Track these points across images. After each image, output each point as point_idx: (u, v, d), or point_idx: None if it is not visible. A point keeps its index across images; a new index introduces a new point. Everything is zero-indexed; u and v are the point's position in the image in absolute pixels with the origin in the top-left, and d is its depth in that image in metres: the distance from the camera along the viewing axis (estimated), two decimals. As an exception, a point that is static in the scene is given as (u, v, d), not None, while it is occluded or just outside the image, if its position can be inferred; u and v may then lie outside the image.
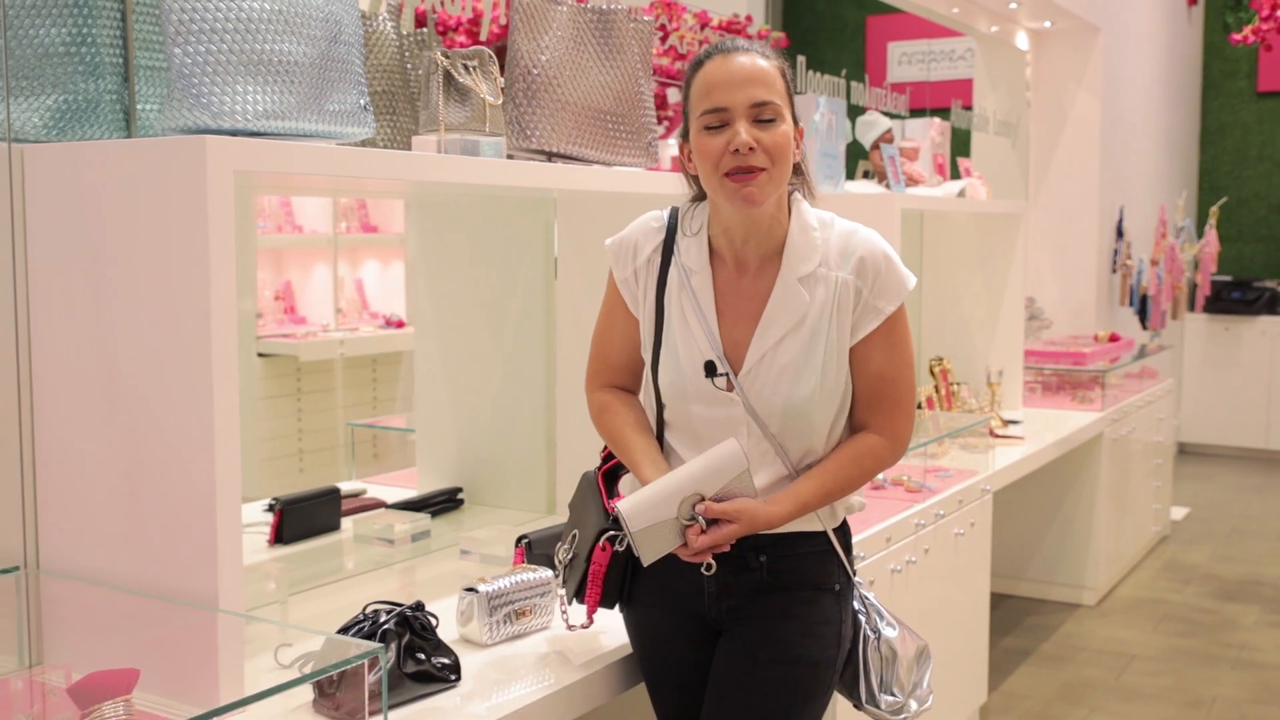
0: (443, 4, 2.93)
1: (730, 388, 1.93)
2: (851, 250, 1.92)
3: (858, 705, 2.09)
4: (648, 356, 2.02)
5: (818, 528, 1.98)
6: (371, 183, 2.43)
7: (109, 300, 1.81)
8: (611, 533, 2.00)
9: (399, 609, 1.91)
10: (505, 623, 2.14)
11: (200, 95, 1.80)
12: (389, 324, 6.52)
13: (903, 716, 2.09)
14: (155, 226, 1.75)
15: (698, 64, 1.92)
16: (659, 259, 2.00)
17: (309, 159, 1.82)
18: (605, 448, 2.15)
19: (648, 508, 1.84)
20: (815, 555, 1.99)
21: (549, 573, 2.23)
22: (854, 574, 2.07)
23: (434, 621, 1.96)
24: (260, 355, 5.83)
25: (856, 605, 2.07)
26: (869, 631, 2.07)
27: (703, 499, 1.84)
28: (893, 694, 2.08)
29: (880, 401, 1.96)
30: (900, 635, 2.10)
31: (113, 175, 1.79)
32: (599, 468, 2.15)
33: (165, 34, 1.80)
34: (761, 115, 1.85)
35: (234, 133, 1.79)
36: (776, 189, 1.88)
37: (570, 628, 2.14)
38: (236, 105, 1.81)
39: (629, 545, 1.90)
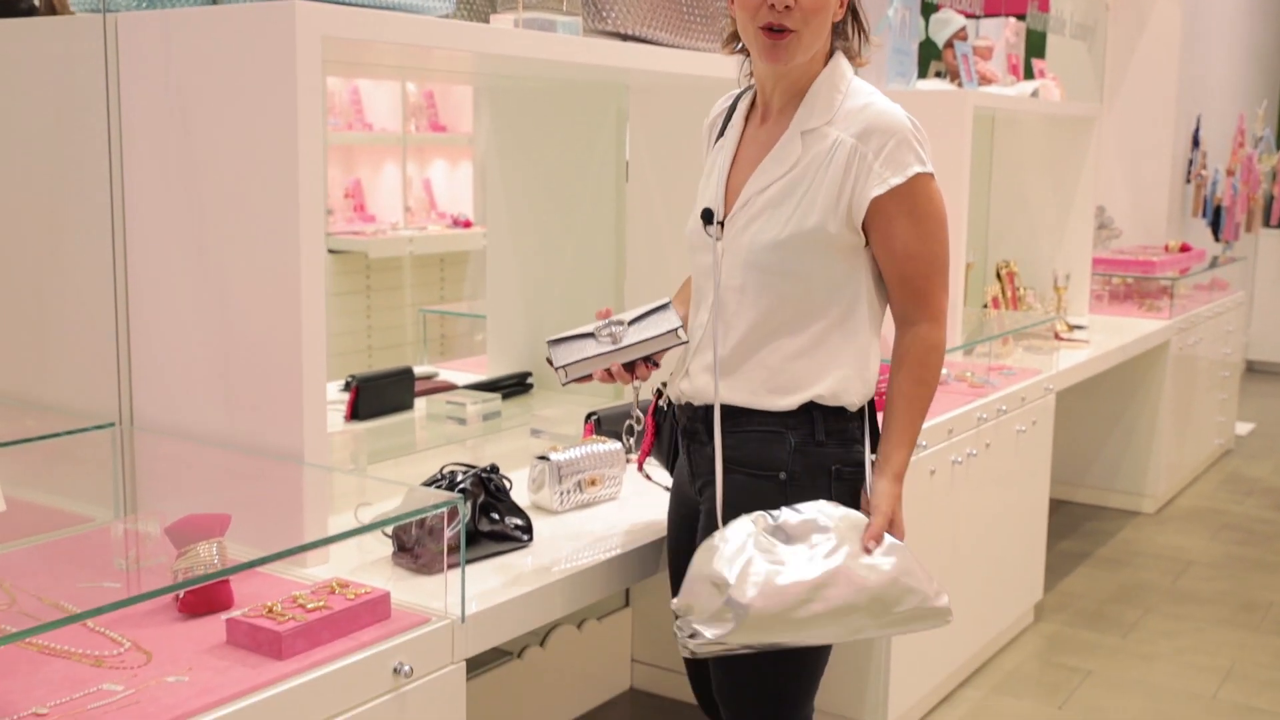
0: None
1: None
2: (863, 117, 1.86)
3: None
4: None
5: (766, 406, 1.87)
6: (448, 60, 2.46)
7: (200, 165, 1.87)
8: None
9: (475, 470, 1.98)
10: (575, 491, 2.21)
11: (287, -37, 1.83)
12: (456, 223, 6.57)
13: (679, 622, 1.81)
14: (245, 92, 1.80)
15: None
16: (721, 120, 2.05)
17: (395, 28, 1.85)
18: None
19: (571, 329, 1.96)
20: (761, 435, 1.88)
21: (618, 445, 2.29)
22: (835, 470, 1.89)
23: (508, 484, 2.03)
24: (331, 251, 5.92)
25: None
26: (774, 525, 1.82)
27: (622, 324, 1.95)
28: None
29: (913, 280, 1.88)
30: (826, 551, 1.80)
31: (203, 42, 1.84)
32: None
33: (253, -99, 1.83)
34: None
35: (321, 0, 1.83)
36: (806, 51, 1.85)
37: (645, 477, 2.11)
38: (322, -27, 1.85)
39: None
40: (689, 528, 1.98)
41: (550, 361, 1.94)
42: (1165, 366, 5.02)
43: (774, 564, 1.75)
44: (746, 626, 1.74)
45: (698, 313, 1.96)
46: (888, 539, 1.82)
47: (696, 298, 1.98)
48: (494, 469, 2.01)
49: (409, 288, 6.41)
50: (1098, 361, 4.25)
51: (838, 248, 1.85)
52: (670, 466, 2.10)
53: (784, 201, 1.86)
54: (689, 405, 1.97)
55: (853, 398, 1.90)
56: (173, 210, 1.91)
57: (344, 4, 1.83)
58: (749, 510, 1.81)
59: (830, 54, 1.92)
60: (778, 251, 1.85)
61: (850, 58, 1.95)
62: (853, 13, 1.93)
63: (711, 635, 1.75)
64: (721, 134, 2.03)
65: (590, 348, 1.93)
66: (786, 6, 1.80)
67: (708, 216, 1.93)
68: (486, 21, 2.38)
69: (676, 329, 1.94)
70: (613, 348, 1.93)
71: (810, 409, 1.87)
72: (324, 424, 1.85)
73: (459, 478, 1.96)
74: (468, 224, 6.56)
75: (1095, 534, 4.91)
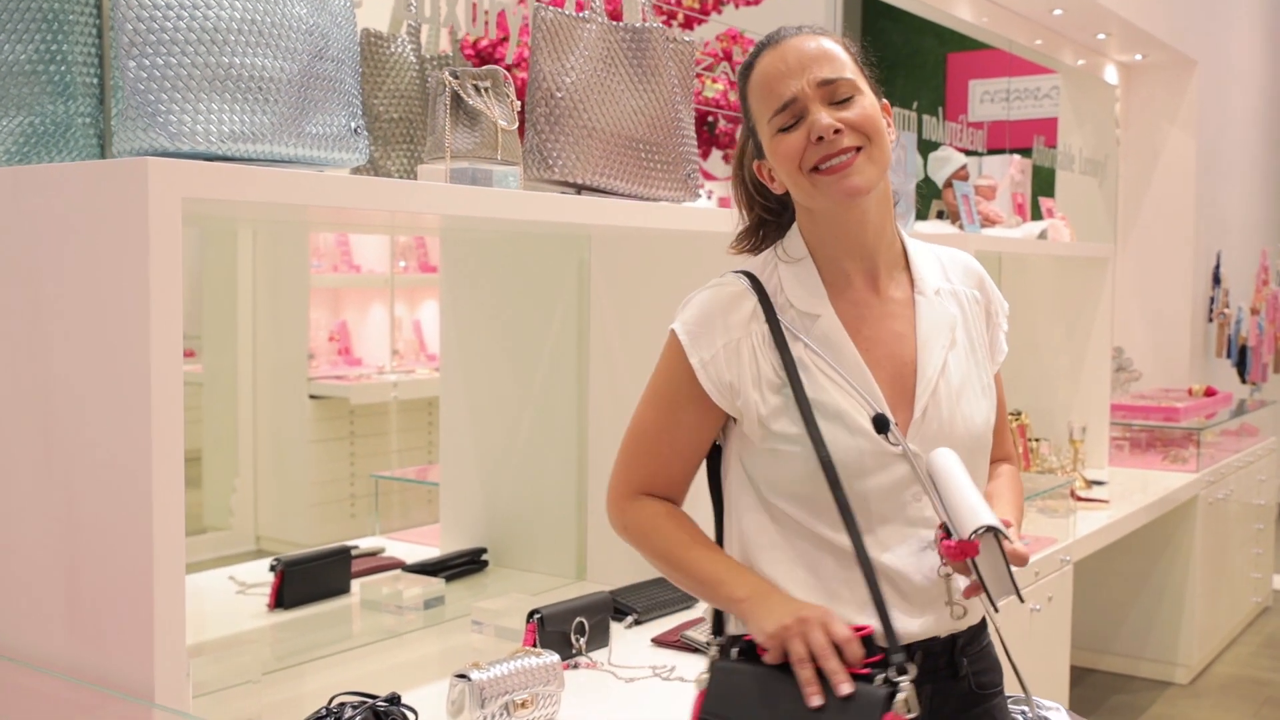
0: (461, 28, 2.72)
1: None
2: (963, 265, 1.71)
3: None
4: (777, 441, 1.56)
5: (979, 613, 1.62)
6: (378, 215, 2.22)
7: (47, 345, 1.60)
8: (897, 697, 1.42)
9: (369, 704, 1.66)
10: (502, 715, 1.88)
11: (157, 114, 1.59)
12: (445, 366, 6.35)
13: None
14: (96, 260, 1.53)
15: (747, 67, 1.62)
16: (763, 325, 1.58)
17: (269, 187, 1.59)
18: (716, 627, 1.63)
19: (990, 512, 1.46)
20: (990, 649, 1.65)
21: (555, 657, 1.97)
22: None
23: (413, 717, 1.71)
24: (312, 397, 5.70)
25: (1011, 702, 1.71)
26: None
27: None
28: None
29: (1002, 429, 1.73)
30: (1067, 715, 1.77)
31: (57, 201, 1.58)
32: (739, 650, 1.54)
33: (117, 45, 1.60)
34: (836, 95, 1.54)
35: (197, 156, 1.58)
36: (880, 171, 1.55)
37: None
38: (198, 126, 1.61)
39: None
40: None
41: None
42: (1194, 522, 4.67)
43: None
44: None
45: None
46: None
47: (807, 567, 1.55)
48: (395, 699, 1.70)
49: (395, 433, 6.16)
50: (1120, 525, 3.91)
51: None
52: None
53: (972, 373, 1.62)
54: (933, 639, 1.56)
55: None
56: (15, 397, 1.64)
57: (222, 159, 1.58)
58: None
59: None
60: (989, 419, 1.63)
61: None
62: None
63: None
64: (775, 326, 1.57)
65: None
66: (836, 130, 1.51)
67: (883, 423, 1.51)
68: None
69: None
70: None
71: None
72: (181, 657, 1.53)
73: (348, 714, 1.64)
74: (456, 366, 6.34)
75: (1124, 709, 4.50)
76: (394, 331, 6.35)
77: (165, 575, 1.50)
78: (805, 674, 1.42)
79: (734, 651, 1.52)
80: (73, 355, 1.57)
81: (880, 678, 1.42)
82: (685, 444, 1.63)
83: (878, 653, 1.45)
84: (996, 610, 1.48)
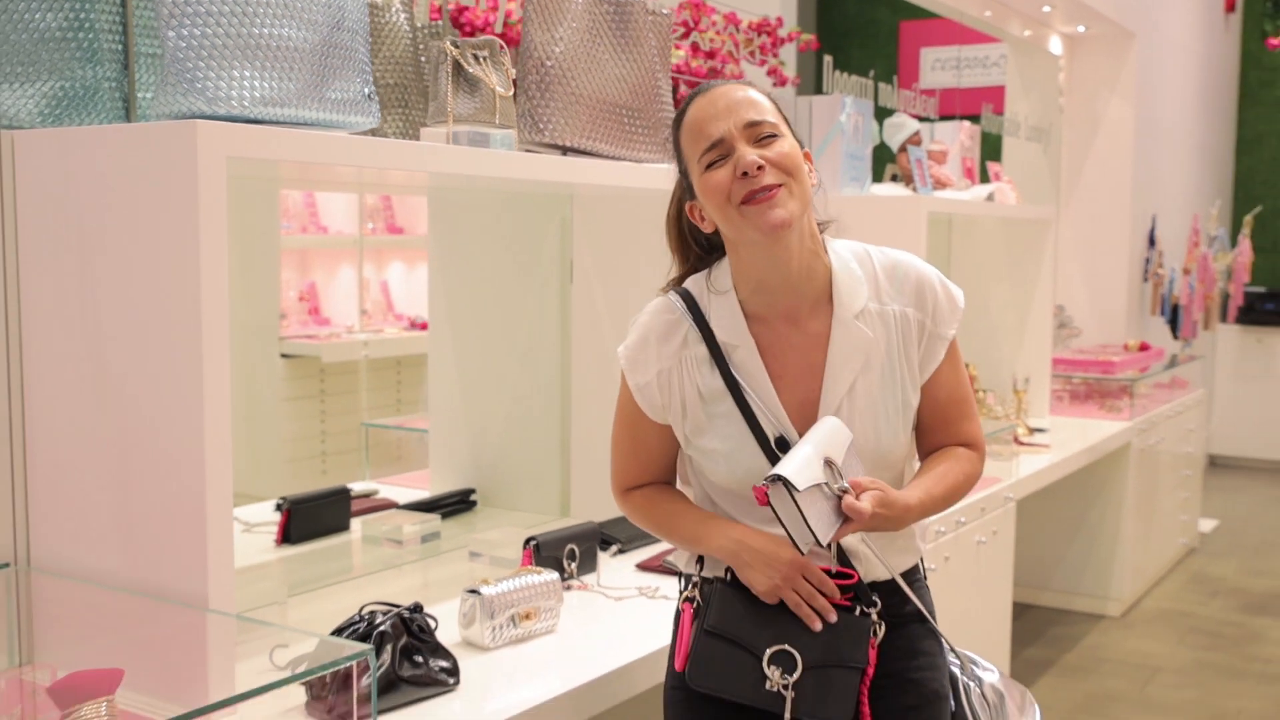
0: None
1: None
2: (902, 278, 1.79)
3: None
4: (699, 452, 1.79)
5: (911, 561, 1.83)
6: (379, 174, 2.39)
7: (100, 292, 1.77)
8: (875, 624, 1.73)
9: (396, 610, 1.86)
10: (508, 625, 2.08)
11: (195, 80, 1.76)
12: (414, 326, 6.49)
13: None
14: (146, 215, 1.70)
15: (680, 116, 1.77)
16: (701, 349, 1.77)
17: (304, 147, 1.77)
18: (684, 597, 1.82)
19: (800, 468, 1.59)
20: (914, 587, 1.83)
21: (555, 575, 2.17)
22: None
23: (433, 624, 1.91)
24: (283, 356, 5.82)
25: (951, 656, 1.89)
26: (967, 680, 1.88)
27: (835, 469, 1.64)
28: None
29: (957, 422, 1.84)
30: (1001, 679, 1.92)
31: (103, 162, 1.75)
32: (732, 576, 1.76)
33: (159, 17, 1.76)
34: (760, 134, 1.69)
35: (230, 119, 1.74)
36: (802, 206, 1.70)
37: None
38: (233, 91, 1.77)
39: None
40: None
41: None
42: (1127, 467, 4.96)
43: None
44: None
45: None
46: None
47: None
48: (417, 608, 1.89)
49: (365, 391, 6.30)
50: (1058, 467, 4.18)
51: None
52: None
53: (885, 394, 1.76)
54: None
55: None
56: (72, 339, 1.81)
57: (254, 122, 1.75)
58: (929, 653, 1.82)
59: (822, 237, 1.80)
60: (901, 443, 1.79)
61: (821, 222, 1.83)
62: None
63: None
64: (715, 348, 1.76)
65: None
66: (759, 166, 1.66)
67: (783, 445, 1.71)
68: (420, 136, 2.32)
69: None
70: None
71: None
72: (230, 567, 1.72)
73: (379, 619, 1.83)
74: (425, 326, 6.49)
75: (1061, 640, 4.79)
76: (362, 292, 6.49)
77: (216, 489, 1.68)
78: (804, 612, 1.69)
79: (727, 574, 1.75)
80: (123, 296, 1.74)
81: (859, 610, 1.72)
82: (655, 445, 1.85)
83: (847, 592, 1.73)
84: (802, 553, 1.64)
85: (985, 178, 4.96)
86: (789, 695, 1.65)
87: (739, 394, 1.74)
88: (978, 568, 3.41)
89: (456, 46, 2.23)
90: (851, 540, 1.75)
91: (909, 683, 1.79)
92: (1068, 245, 6.27)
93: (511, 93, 2.29)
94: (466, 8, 2.88)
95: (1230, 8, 8.62)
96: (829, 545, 1.68)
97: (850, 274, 1.77)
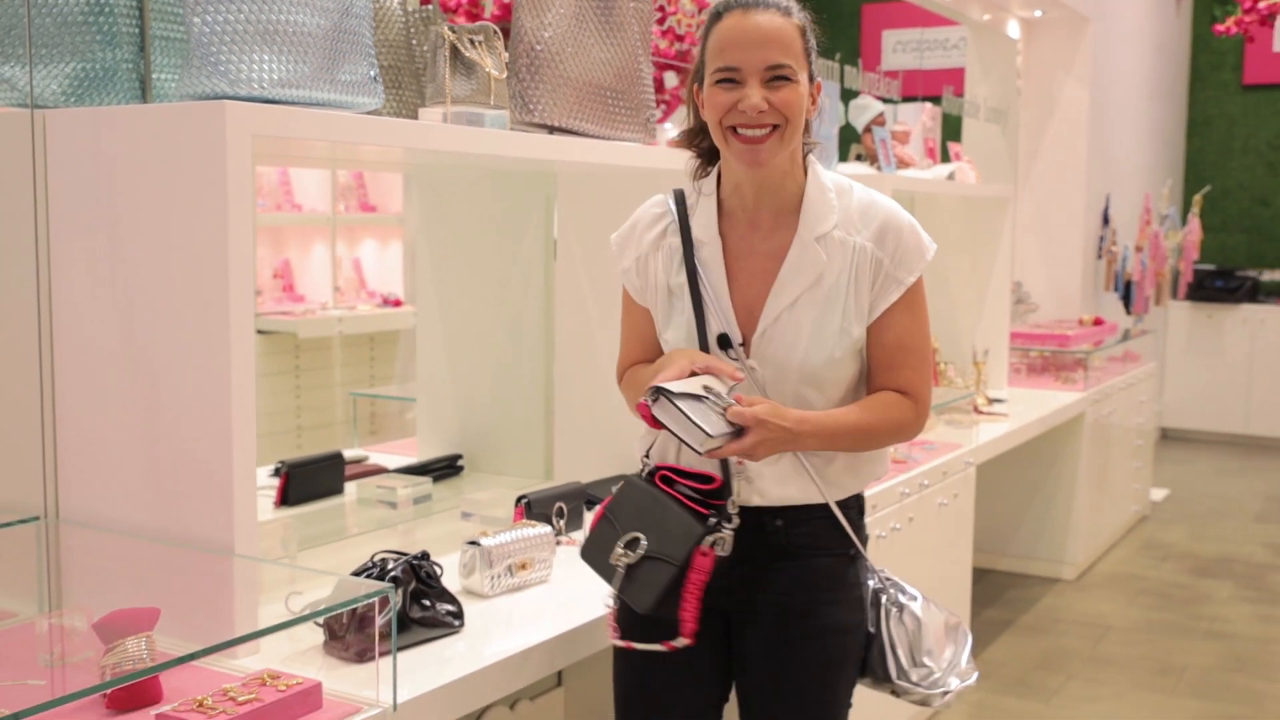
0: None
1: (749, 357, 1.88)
2: (872, 216, 1.88)
3: (891, 688, 1.99)
4: (665, 346, 1.95)
5: (819, 499, 1.92)
6: (378, 151, 2.52)
7: (129, 261, 1.89)
8: (713, 536, 1.80)
9: (406, 557, 2.00)
10: (506, 575, 2.23)
11: (218, 63, 1.88)
12: (386, 303, 6.60)
13: (942, 690, 1.97)
14: (174, 189, 1.83)
15: (716, 15, 1.85)
16: (675, 240, 1.94)
17: (323, 125, 1.90)
18: (646, 452, 1.97)
19: (681, 385, 1.72)
20: (823, 522, 1.92)
21: (548, 528, 2.32)
22: (865, 549, 2.00)
23: (439, 570, 2.05)
24: (259, 332, 5.90)
25: (874, 583, 2.01)
26: (889, 605, 1.98)
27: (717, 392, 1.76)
28: (925, 665, 1.97)
29: (899, 369, 1.90)
30: (925, 604, 2.00)
31: (133, 139, 1.87)
32: (646, 473, 1.93)
33: (185, 3, 1.88)
34: (775, 75, 1.80)
35: (250, 99, 1.87)
36: (785, 148, 1.84)
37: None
38: (253, 73, 1.89)
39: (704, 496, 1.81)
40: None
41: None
42: (1081, 437, 5.17)
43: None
44: None
45: None
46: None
47: None
48: (425, 555, 2.03)
49: (339, 367, 6.41)
50: (1016, 434, 4.37)
51: (862, 350, 1.91)
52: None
53: (826, 317, 1.86)
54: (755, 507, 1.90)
55: (881, 473, 2.02)
56: (100, 303, 1.93)
57: (272, 102, 1.87)
58: (841, 593, 1.93)
59: (805, 158, 1.92)
60: (833, 368, 1.87)
61: (811, 141, 1.96)
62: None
63: (962, 684, 1.99)
64: (688, 244, 1.92)
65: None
66: (760, 111, 1.78)
67: (725, 341, 1.87)
68: (416, 115, 2.44)
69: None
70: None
71: (851, 499, 1.98)
72: (254, 515, 1.86)
73: (390, 565, 1.97)
74: (398, 303, 6.60)
75: (1018, 602, 5.00)
76: (335, 269, 6.58)
77: (241, 440, 1.82)
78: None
79: (644, 474, 1.92)
80: (151, 264, 1.87)
81: (713, 520, 1.81)
82: (645, 329, 2.02)
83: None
84: (701, 454, 1.76)
85: (946, 157, 5.14)
86: (620, 571, 1.83)
87: (696, 288, 1.89)
88: (940, 528, 3.59)
89: (454, 32, 2.36)
90: (761, 465, 1.86)
91: (797, 615, 1.91)
92: (1025, 223, 6.47)
93: (505, 75, 2.42)
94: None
95: (1182, -7, 8.85)
96: (721, 447, 1.75)
97: (823, 200, 1.89)
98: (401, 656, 1.92)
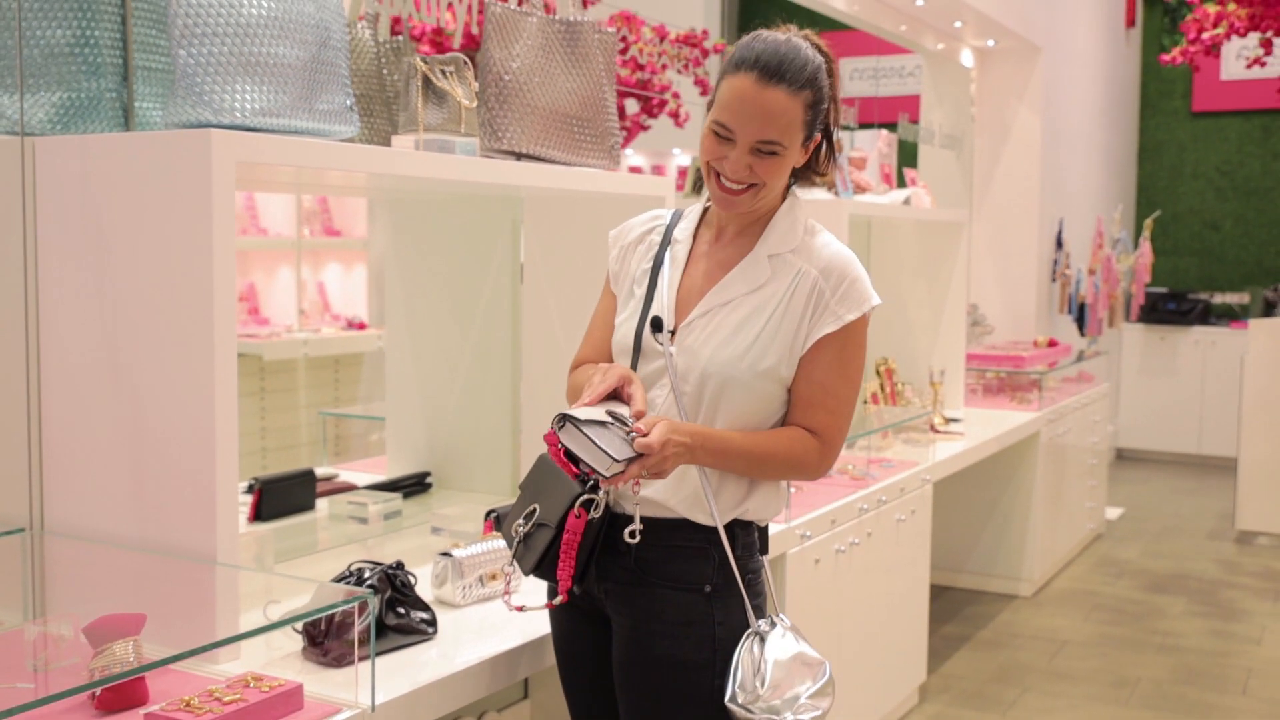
0: (413, 15, 3.10)
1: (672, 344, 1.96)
2: (828, 254, 1.96)
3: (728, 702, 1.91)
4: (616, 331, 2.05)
5: (707, 522, 1.91)
6: (349, 177, 2.60)
7: (114, 281, 1.97)
8: (586, 497, 1.83)
9: (381, 566, 2.07)
10: (477, 585, 2.31)
11: (202, 93, 1.96)
12: (351, 325, 6.66)
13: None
14: (160, 213, 1.91)
15: (736, 65, 1.90)
16: (656, 240, 2.08)
17: (304, 152, 1.99)
18: None
19: (587, 413, 1.78)
20: (687, 550, 1.92)
21: (517, 541, 2.40)
22: (745, 580, 1.94)
23: (413, 579, 2.13)
24: (225, 355, 5.92)
25: (762, 625, 1.93)
26: (750, 635, 1.91)
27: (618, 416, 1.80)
28: (754, 691, 1.87)
29: (816, 409, 1.93)
30: (783, 633, 1.92)
31: (121, 165, 1.95)
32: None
33: (170, 37, 1.97)
34: (764, 150, 1.88)
35: (233, 128, 1.95)
36: (759, 203, 1.95)
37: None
38: (235, 102, 1.98)
39: (598, 508, 1.83)
40: (592, 626, 2.03)
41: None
42: (1036, 456, 5.30)
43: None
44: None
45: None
46: None
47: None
48: (399, 565, 2.11)
49: (304, 389, 6.46)
50: (972, 452, 4.49)
51: (785, 380, 1.94)
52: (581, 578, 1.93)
53: (750, 321, 1.92)
54: (611, 514, 1.92)
55: (770, 514, 2.00)
56: (87, 321, 2.00)
57: (254, 130, 1.96)
58: (682, 629, 1.90)
59: (788, 189, 2.02)
60: (738, 375, 1.90)
61: (821, 174, 2.05)
62: (827, 139, 1.99)
63: (820, 711, 1.89)
64: (665, 242, 2.06)
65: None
66: (740, 176, 1.89)
67: (658, 324, 1.96)
68: (388, 143, 2.53)
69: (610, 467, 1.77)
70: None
71: (733, 525, 1.94)
72: (236, 526, 1.93)
73: (366, 574, 2.05)
74: (362, 326, 6.66)
75: (975, 617, 5.11)
76: (300, 292, 6.64)
77: (224, 453, 1.89)
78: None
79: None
80: (136, 284, 1.94)
81: (591, 483, 1.83)
82: (611, 315, 2.11)
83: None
84: (607, 477, 1.76)
85: (902, 183, 5.28)
86: (516, 539, 1.92)
87: (655, 278, 2.03)
88: (898, 546, 3.70)
89: (426, 63, 2.46)
90: (666, 485, 1.90)
91: (637, 644, 1.94)
92: (980, 247, 6.63)
93: (475, 104, 2.51)
94: (427, 27, 3.10)
95: (1130, 23, 9.08)
96: (625, 469, 1.76)
97: (789, 227, 1.99)
98: (378, 661, 1.99)
